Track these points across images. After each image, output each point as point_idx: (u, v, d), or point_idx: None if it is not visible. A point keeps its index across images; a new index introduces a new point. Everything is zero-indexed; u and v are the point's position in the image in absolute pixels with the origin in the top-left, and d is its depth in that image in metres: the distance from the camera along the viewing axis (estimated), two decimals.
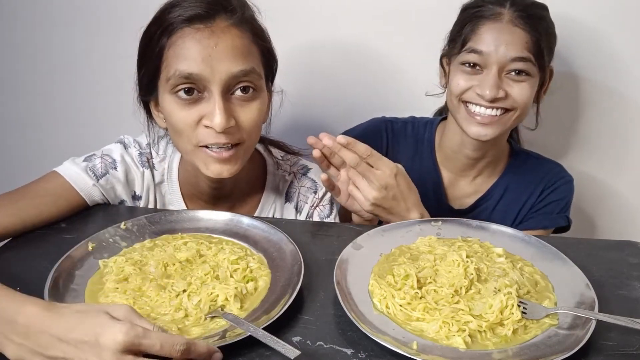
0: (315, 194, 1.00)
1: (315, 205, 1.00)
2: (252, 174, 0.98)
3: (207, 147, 0.82)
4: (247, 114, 0.82)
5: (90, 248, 0.76)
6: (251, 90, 0.82)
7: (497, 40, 0.95)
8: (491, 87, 0.95)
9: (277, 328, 0.63)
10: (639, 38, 1.17)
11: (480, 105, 0.98)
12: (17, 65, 1.48)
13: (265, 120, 0.91)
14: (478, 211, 1.13)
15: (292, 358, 0.56)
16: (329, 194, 1.01)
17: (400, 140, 1.16)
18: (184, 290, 0.69)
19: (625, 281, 0.75)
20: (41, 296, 0.65)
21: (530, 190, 1.12)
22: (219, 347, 0.59)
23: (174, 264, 0.73)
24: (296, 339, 0.63)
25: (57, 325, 0.53)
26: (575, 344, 0.59)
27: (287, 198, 1.00)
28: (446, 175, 1.14)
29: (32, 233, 0.83)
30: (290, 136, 1.10)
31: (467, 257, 0.73)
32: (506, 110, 0.98)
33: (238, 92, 0.81)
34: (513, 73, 0.96)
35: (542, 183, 1.11)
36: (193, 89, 0.80)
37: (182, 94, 0.80)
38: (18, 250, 0.80)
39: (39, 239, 0.82)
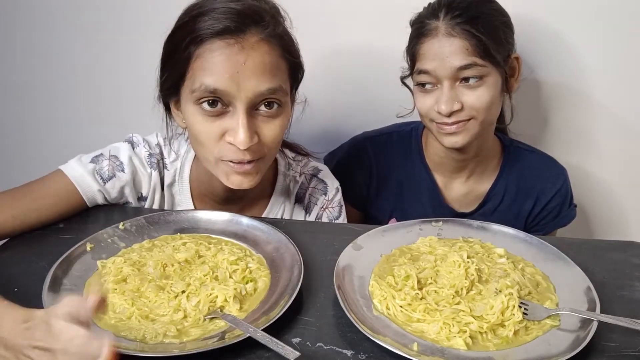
0: (325, 196, 0.99)
1: (325, 207, 0.99)
2: (265, 176, 0.96)
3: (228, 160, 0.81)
4: (271, 130, 0.81)
5: (88, 248, 0.76)
6: (276, 105, 0.80)
7: (439, 55, 0.95)
8: (445, 102, 0.95)
9: (277, 329, 0.63)
10: (600, 40, 1.18)
11: (443, 122, 0.98)
12: (23, 64, 1.48)
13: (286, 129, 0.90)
14: (480, 213, 1.13)
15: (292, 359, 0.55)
16: (339, 196, 1.00)
17: (387, 151, 1.16)
18: (183, 291, 0.68)
19: (628, 282, 0.74)
20: (39, 297, 0.65)
21: (533, 195, 1.12)
22: (218, 349, 0.59)
23: (172, 265, 0.73)
24: (296, 340, 0.63)
25: (30, 336, 0.54)
26: (576, 345, 0.59)
27: (297, 199, 1.00)
28: (439, 178, 1.14)
29: (30, 233, 0.83)
30: (307, 140, 1.09)
31: (468, 257, 0.73)
32: (468, 119, 0.98)
33: (262, 107, 0.80)
34: (465, 81, 0.96)
35: (541, 184, 1.12)
36: (217, 101, 0.78)
37: (205, 105, 0.78)
38: (16, 250, 0.80)
39: (36, 239, 0.82)
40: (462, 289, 0.68)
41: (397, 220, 1.13)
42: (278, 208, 0.98)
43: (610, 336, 0.63)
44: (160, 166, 0.95)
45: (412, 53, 1.01)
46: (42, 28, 1.42)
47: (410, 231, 0.83)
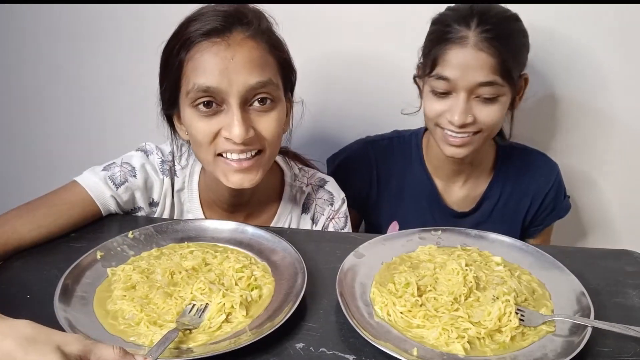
0: (332, 206, 1.01)
1: (331, 217, 1.01)
2: (270, 184, 1.00)
3: (226, 156, 0.84)
4: (266, 124, 0.83)
5: (98, 257, 0.78)
6: (269, 101, 0.83)
7: (463, 67, 0.94)
8: (459, 114, 0.96)
9: (281, 335, 0.65)
10: (619, 54, 1.19)
11: (451, 131, 0.99)
12: (41, 79, 1.51)
13: (286, 130, 0.93)
14: (480, 213, 1.15)
15: None
16: (344, 207, 1.03)
17: (388, 157, 1.18)
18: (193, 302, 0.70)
19: (621, 289, 0.76)
20: (51, 303, 0.67)
21: (529, 193, 1.14)
22: (224, 354, 0.61)
23: (180, 272, 0.75)
24: (299, 345, 0.65)
25: None
26: (571, 351, 0.61)
27: (304, 209, 1.02)
28: (439, 183, 1.16)
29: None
30: (308, 146, 1.11)
31: (466, 265, 0.75)
32: (476, 132, 1.00)
33: (256, 104, 0.82)
34: (480, 97, 0.96)
35: (536, 183, 1.14)
36: (212, 101, 0.81)
37: (201, 107, 0.81)
38: (28, 258, 0.82)
39: (48, 247, 0.84)
40: (460, 295, 0.70)
41: (399, 224, 1.16)
42: (286, 217, 1.00)
43: (604, 342, 0.65)
44: (172, 172, 0.97)
45: (435, 56, 0.98)
46: (60, 43, 1.44)
47: (410, 240, 0.85)
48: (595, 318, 0.66)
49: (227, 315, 0.68)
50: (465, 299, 0.70)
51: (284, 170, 1.02)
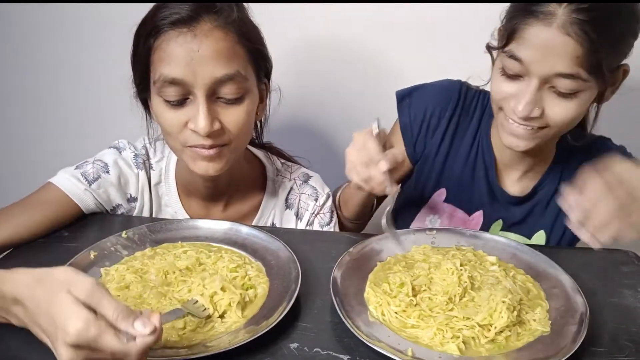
0: (316, 202, 1.01)
1: (316, 212, 1.01)
2: (250, 176, 1.00)
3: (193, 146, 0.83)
4: (233, 116, 0.83)
5: (92, 256, 0.78)
6: (237, 93, 0.82)
7: (542, 50, 0.76)
8: (525, 104, 0.80)
9: (275, 335, 0.65)
10: None
11: (513, 120, 0.84)
12: (12, 78, 1.50)
13: (261, 117, 0.92)
14: (532, 202, 1.00)
15: None
16: (329, 202, 1.02)
17: (470, 110, 1.01)
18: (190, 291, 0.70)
19: (617, 289, 0.76)
20: None
21: None
22: (218, 353, 0.60)
23: (174, 272, 0.75)
24: (294, 345, 0.64)
25: (33, 300, 0.53)
26: (566, 351, 0.61)
27: (288, 204, 1.02)
28: (499, 163, 1.00)
29: (34, 242, 0.84)
30: (286, 136, 1.09)
31: (461, 265, 0.75)
32: (542, 127, 0.84)
33: (223, 96, 0.81)
34: (556, 88, 0.79)
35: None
36: (179, 92, 0.80)
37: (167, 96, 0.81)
38: (20, 259, 0.81)
39: (41, 247, 0.84)
40: (455, 295, 0.70)
41: (448, 193, 1.03)
42: (269, 212, 1.00)
43: (600, 342, 0.65)
44: (147, 166, 0.97)
45: (512, 29, 0.80)
46: (30, 38, 1.43)
47: (405, 240, 0.84)
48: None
49: (222, 315, 0.68)
50: (460, 299, 0.70)
51: (265, 165, 1.02)
